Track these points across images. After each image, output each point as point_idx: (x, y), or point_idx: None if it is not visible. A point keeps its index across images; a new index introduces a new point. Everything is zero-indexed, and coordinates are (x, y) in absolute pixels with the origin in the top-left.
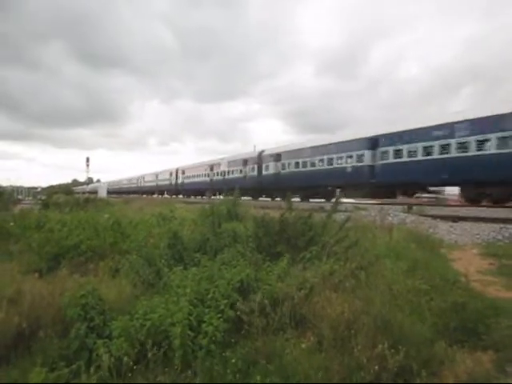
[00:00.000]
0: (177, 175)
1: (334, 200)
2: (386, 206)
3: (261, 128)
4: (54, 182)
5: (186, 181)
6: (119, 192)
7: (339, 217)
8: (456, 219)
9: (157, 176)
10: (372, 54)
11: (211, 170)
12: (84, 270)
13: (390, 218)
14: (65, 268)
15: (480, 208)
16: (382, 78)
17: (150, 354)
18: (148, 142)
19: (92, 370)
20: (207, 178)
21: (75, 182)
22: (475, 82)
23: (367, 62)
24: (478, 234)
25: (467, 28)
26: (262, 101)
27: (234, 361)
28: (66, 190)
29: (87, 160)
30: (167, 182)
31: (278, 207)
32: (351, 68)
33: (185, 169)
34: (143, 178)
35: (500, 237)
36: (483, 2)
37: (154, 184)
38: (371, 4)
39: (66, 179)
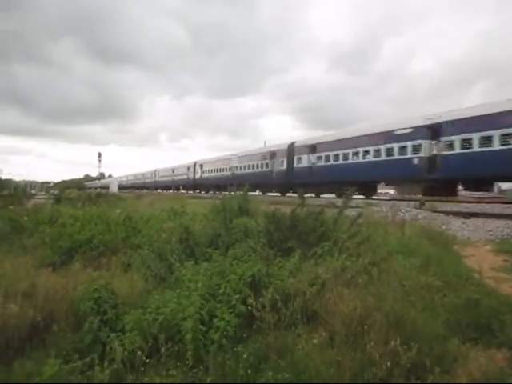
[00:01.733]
0: (291, 157)
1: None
2: (397, 202)
3: (271, 124)
4: (67, 177)
5: (320, 164)
6: (153, 187)
7: (350, 213)
8: (468, 216)
9: (239, 159)
10: (383, 49)
11: (401, 139)
12: (97, 265)
13: (401, 214)
14: (78, 262)
15: (493, 204)
16: (392, 72)
17: (162, 349)
18: (159, 138)
19: (106, 363)
20: (401, 158)
21: (87, 177)
22: (486, 78)
23: (378, 58)
24: (490, 231)
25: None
26: (273, 97)
27: (245, 356)
28: (78, 185)
29: (99, 155)
30: (264, 170)
31: (289, 203)
32: (362, 63)
33: (318, 143)
34: (200, 166)
35: None
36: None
37: (226, 174)
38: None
39: (78, 174)
